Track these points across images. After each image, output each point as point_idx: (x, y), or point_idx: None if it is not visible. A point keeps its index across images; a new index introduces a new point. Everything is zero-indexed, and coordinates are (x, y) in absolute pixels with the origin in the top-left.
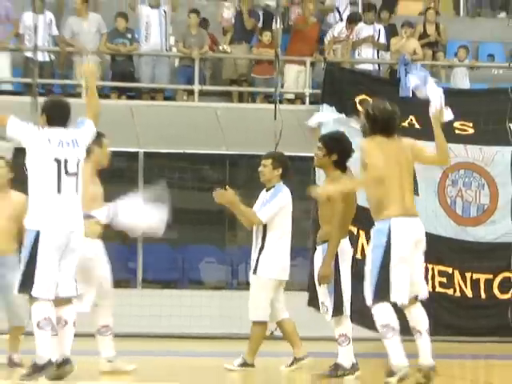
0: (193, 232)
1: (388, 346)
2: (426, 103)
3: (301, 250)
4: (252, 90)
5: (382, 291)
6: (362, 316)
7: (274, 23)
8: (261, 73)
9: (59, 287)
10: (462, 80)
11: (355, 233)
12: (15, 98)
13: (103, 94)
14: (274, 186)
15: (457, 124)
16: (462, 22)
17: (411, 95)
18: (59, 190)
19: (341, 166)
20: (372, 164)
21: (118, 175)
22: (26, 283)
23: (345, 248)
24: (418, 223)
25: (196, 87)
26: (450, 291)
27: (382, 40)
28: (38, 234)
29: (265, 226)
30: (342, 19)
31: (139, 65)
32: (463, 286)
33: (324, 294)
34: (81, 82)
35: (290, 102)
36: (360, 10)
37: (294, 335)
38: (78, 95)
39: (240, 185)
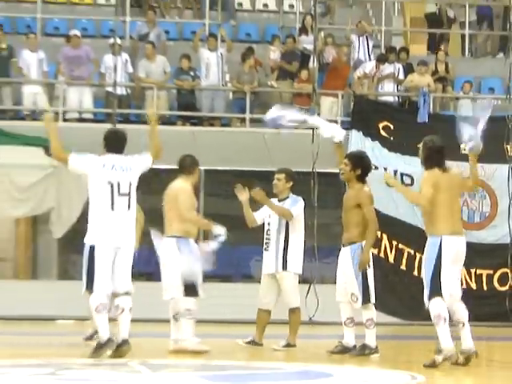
0: (245, 235)
1: (439, 332)
2: (440, 126)
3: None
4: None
5: (435, 291)
6: (383, 304)
7: (311, 62)
8: (301, 103)
9: (116, 284)
10: (467, 109)
11: (379, 236)
12: (97, 126)
13: (170, 121)
14: (288, 197)
15: (462, 145)
16: (467, 62)
17: (427, 121)
18: (112, 208)
19: (362, 179)
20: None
21: None
22: (88, 284)
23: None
24: (463, 241)
25: (247, 116)
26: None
27: (401, 76)
28: (93, 248)
29: (287, 229)
30: (370, 59)
31: (200, 97)
32: (469, 280)
33: (354, 286)
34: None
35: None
36: (383, 51)
37: (298, 324)
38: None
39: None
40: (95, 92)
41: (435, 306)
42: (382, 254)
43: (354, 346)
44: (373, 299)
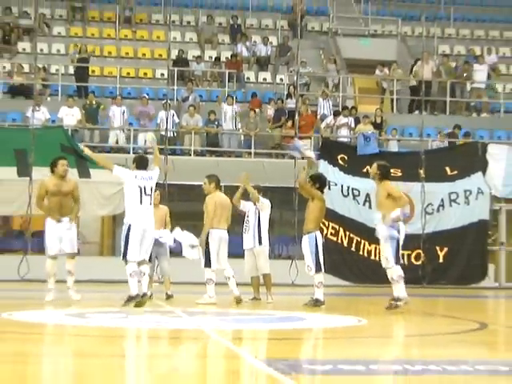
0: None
1: (398, 287)
2: (372, 158)
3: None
4: (282, 152)
5: (397, 260)
6: (340, 273)
7: (294, 117)
8: (288, 142)
9: (141, 255)
10: (393, 147)
11: (337, 228)
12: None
13: (202, 154)
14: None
15: (391, 170)
16: (394, 116)
17: (363, 154)
18: (141, 203)
19: (320, 190)
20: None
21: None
22: (124, 254)
23: (319, 234)
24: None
25: (252, 150)
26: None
27: (352, 125)
28: (129, 226)
29: (259, 220)
30: (330, 114)
31: (222, 138)
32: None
33: (309, 260)
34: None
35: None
36: (340, 109)
37: (271, 284)
38: (189, 155)
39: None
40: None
41: (398, 270)
42: (339, 241)
43: (319, 301)
44: (322, 269)
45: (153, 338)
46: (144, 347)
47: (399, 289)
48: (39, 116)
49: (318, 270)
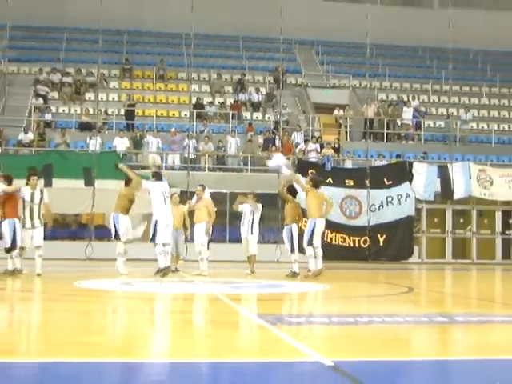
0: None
1: (311, 261)
2: (333, 172)
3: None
4: (267, 168)
5: (310, 242)
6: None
7: (277, 142)
8: (272, 153)
9: (166, 239)
10: (348, 164)
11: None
12: (180, 172)
13: (213, 170)
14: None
15: (346, 181)
16: (348, 143)
17: (329, 170)
18: (165, 203)
19: (293, 196)
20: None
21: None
22: (154, 238)
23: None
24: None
25: (249, 167)
26: (344, 244)
27: (318, 150)
28: (157, 221)
29: (253, 217)
30: (302, 141)
31: (227, 159)
32: (349, 242)
33: (286, 244)
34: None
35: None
36: (310, 138)
37: (254, 262)
38: (204, 170)
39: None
40: (180, 156)
41: (311, 249)
42: (328, 240)
43: (296, 273)
44: (295, 250)
45: (179, 299)
46: (172, 305)
47: (295, 268)
48: (94, 143)
49: (292, 251)
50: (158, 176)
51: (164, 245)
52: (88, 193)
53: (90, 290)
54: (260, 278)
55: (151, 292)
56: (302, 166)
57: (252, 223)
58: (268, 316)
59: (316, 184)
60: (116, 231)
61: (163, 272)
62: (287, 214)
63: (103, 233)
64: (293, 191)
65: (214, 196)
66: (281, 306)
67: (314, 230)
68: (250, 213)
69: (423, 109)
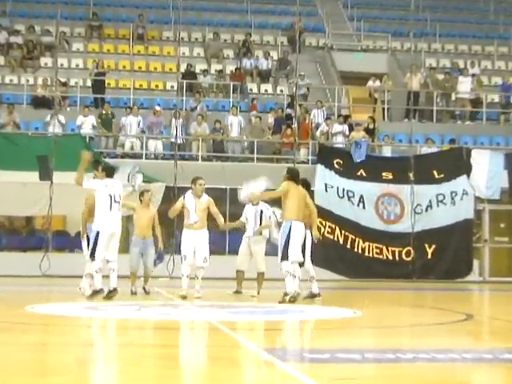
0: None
1: (288, 282)
2: (366, 162)
3: None
4: (279, 157)
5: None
6: (336, 268)
7: (293, 124)
8: (287, 147)
9: (110, 255)
10: (386, 152)
11: (333, 227)
12: (166, 161)
13: (209, 159)
14: (259, 203)
15: (383, 173)
16: (385, 123)
17: (359, 160)
18: (110, 209)
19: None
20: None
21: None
22: (92, 252)
23: (298, 225)
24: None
25: (255, 156)
26: (381, 256)
27: (347, 132)
28: (98, 232)
29: (260, 221)
30: (325, 122)
31: (227, 145)
32: (387, 254)
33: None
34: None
35: (300, 163)
36: (335, 117)
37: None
38: (197, 160)
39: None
40: (165, 142)
41: (287, 264)
42: (335, 239)
43: (315, 294)
44: (290, 259)
45: (163, 329)
46: (154, 336)
47: (288, 282)
48: (52, 123)
49: (283, 258)
50: (108, 172)
51: (109, 261)
52: (44, 189)
53: (47, 316)
54: (268, 301)
55: (126, 319)
56: (324, 155)
57: (260, 224)
58: (280, 351)
59: (294, 176)
60: (93, 247)
61: (107, 295)
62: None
63: (64, 241)
64: (293, 176)
65: (209, 193)
66: (297, 337)
67: (289, 236)
68: (253, 218)
69: (485, 79)
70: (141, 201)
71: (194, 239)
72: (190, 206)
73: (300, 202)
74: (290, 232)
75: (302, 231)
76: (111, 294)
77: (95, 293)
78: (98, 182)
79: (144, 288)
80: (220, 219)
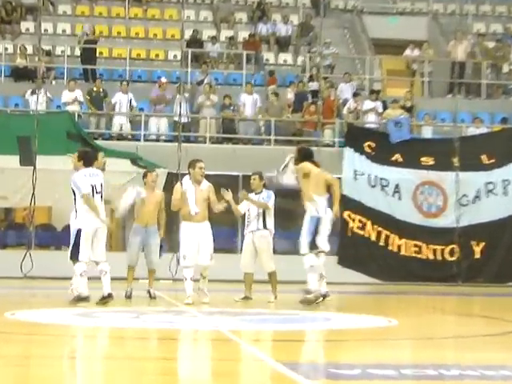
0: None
1: (310, 278)
2: (402, 145)
3: None
4: (300, 139)
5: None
6: (367, 270)
7: (316, 100)
8: (310, 127)
9: (98, 255)
10: (426, 133)
11: (364, 221)
12: (168, 144)
13: (218, 141)
14: (262, 191)
15: (423, 158)
16: (425, 100)
17: (397, 141)
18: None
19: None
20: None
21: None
22: (75, 253)
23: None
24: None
25: (272, 137)
26: (420, 256)
27: (380, 110)
28: (78, 230)
29: (264, 215)
30: (353, 98)
31: (239, 124)
32: (427, 252)
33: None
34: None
35: (325, 146)
36: (366, 92)
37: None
38: (205, 142)
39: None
40: (166, 121)
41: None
42: (366, 235)
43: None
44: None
45: (166, 339)
46: (155, 348)
47: (311, 279)
48: (40, 100)
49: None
50: (86, 160)
51: (97, 263)
52: (25, 176)
53: (30, 324)
54: (287, 307)
55: (122, 328)
56: (353, 136)
57: (264, 224)
58: (302, 366)
59: (308, 156)
60: (75, 248)
61: (102, 301)
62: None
63: (49, 237)
64: (306, 156)
65: (219, 181)
66: (322, 350)
67: (317, 223)
68: (256, 211)
69: None
70: (145, 184)
71: (196, 234)
72: (189, 195)
73: (320, 184)
74: (318, 218)
75: (329, 219)
76: (105, 300)
77: (80, 299)
78: (77, 172)
79: (149, 291)
80: (218, 206)
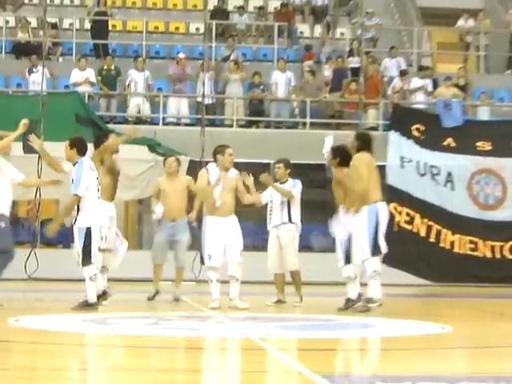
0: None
1: (373, 285)
2: (456, 128)
3: None
4: (339, 121)
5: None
6: (416, 270)
7: (359, 77)
8: (350, 109)
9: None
10: (483, 114)
11: (412, 214)
12: (190, 128)
13: (246, 125)
14: (287, 180)
15: (479, 143)
16: (482, 77)
17: (449, 125)
18: (98, 197)
19: (342, 165)
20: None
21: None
22: (87, 257)
23: (385, 208)
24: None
25: (307, 120)
26: (476, 253)
27: (429, 88)
28: (89, 229)
29: (288, 205)
30: (399, 75)
31: (270, 106)
32: (484, 250)
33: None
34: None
35: (369, 129)
36: (415, 69)
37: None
38: (231, 126)
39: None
40: (188, 102)
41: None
42: (414, 229)
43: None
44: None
45: (191, 349)
46: (180, 359)
47: (375, 286)
48: (37, 79)
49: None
50: (80, 148)
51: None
52: (30, 165)
53: (36, 332)
54: (321, 312)
55: (140, 336)
56: (399, 118)
57: (289, 216)
58: (345, 378)
59: (367, 143)
60: (87, 249)
61: (83, 308)
62: (340, 195)
63: (56, 234)
64: (343, 157)
65: (247, 169)
66: (367, 360)
67: (377, 223)
68: (279, 201)
69: None
70: (166, 172)
71: (223, 230)
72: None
73: (378, 178)
74: (378, 218)
75: (387, 216)
76: (104, 297)
77: (87, 305)
78: (85, 166)
79: (176, 296)
80: (247, 198)
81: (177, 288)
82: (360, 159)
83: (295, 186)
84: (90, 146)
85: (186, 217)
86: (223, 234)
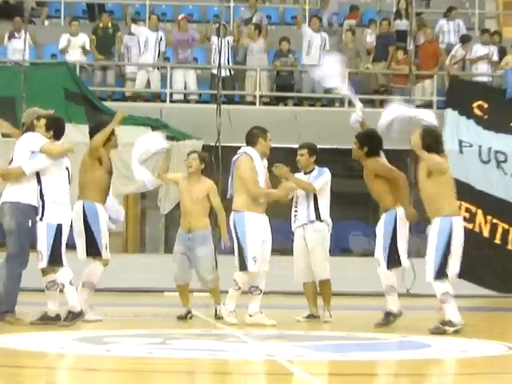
0: (344, 211)
1: (448, 308)
2: None
3: None
4: (385, 97)
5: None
6: (478, 277)
7: (408, 44)
8: (397, 83)
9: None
10: None
11: (473, 210)
12: (203, 106)
13: (271, 102)
14: (313, 169)
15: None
16: None
17: None
18: (69, 188)
19: (372, 154)
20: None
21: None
22: (57, 259)
23: (460, 223)
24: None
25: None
26: None
27: (495, 58)
28: (59, 226)
29: (315, 199)
30: (460, 42)
31: (300, 78)
32: None
33: (379, 250)
34: None
35: (419, 106)
36: (477, 34)
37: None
38: (254, 103)
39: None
40: (200, 74)
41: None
42: (476, 229)
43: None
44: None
45: (205, 373)
46: None
47: (450, 309)
48: (19, 46)
49: (392, 264)
50: (58, 130)
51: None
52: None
53: (16, 353)
54: (360, 329)
55: (143, 358)
56: (458, 94)
57: (316, 204)
58: None
59: (439, 141)
60: (56, 249)
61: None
62: (378, 191)
63: None
64: (372, 145)
65: (273, 156)
66: None
67: (449, 241)
68: (305, 194)
69: None
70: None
71: (263, 229)
72: (260, 174)
73: (452, 185)
74: (451, 233)
75: (461, 233)
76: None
77: (73, 316)
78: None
79: (216, 311)
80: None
81: (215, 302)
82: (441, 162)
83: (321, 176)
84: (82, 128)
85: (206, 229)
86: (262, 234)
